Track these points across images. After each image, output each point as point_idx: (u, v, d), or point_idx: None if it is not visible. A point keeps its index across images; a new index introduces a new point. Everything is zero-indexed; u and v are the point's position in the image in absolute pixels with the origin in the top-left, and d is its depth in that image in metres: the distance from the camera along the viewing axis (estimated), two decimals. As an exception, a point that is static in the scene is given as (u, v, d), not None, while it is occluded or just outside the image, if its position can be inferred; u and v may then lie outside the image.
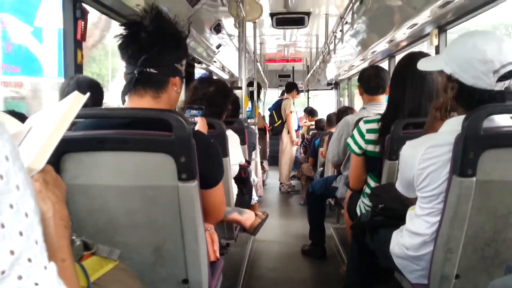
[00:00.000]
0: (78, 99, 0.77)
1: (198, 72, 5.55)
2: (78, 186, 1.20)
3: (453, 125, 1.27)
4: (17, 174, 0.46)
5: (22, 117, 1.10)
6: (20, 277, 0.45)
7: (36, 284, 0.47)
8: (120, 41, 1.26)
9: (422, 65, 1.42)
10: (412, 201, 1.47)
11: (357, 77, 6.90)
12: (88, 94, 0.80)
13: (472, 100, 1.25)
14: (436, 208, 1.31)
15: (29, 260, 0.46)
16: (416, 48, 3.84)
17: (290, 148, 6.27)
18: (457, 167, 1.20)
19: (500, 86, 1.22)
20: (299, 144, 6.45)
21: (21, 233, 0.45)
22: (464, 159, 1.19)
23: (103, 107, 1.99)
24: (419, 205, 1.37)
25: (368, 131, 2.06)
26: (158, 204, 1.21)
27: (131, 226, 1.24)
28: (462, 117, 1.23)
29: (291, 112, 6.11)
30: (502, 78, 1.21)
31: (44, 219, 0.61)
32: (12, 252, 0.44)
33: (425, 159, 1.28)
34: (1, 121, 0.46)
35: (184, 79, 1.37)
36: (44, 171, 0.66)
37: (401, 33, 3.48)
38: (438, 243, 1.30)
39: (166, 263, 1.29)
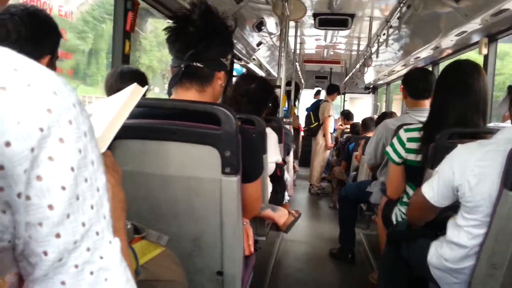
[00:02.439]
0: (137, 90, 0.80)
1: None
2: (124, 172, 1.22)
3: (510, 133, 1.22)
4: (93, 150, 0.48)
5: None
6: (88, 249, 0.47)
7: (101, 257, 0.48)
8: (168, 35, 1.28)
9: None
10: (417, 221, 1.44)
11: (396, 82, 6.79)
12: (146, 87, 0.83)
13: None
14: (481, 221, 1.27)
15: (97, 233, 0.48)
16: (462, 57, 3.72)
17: (323, 150, 6.21)
18: (509, 181, 1.16)
19: None
20: (332, 147, 6.38)
21: (92, 207, 0.47)
22: (517, 173, 1.15)
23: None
24: (462, 215, 1.33)
25: (409, 140, 2.01)
26: (200, 195, 1.24)
27: (172, 215, 1.27)
28: None
29: (329, 115, 6.03)
30: None
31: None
32: (83, 224, 0.46)
33: (480, 166, 1.24)
34: (80, 99, 0.48)
35: (228, 73, 1.38)
36: (105, 155, 0.69)
37: (448, 40, 3.39)
38: (482, 257, 1.26)
39: (203, 254, 1.31)
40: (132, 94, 0.81)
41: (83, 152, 0.46)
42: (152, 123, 1.22)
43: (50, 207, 0.44)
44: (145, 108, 1.33)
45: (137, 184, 1.26)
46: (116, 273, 0.50)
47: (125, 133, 1.21)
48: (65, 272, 0.46)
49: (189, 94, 1.30)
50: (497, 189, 1.21)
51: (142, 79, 2.19)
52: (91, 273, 0.47)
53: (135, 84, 0.83)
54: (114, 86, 2.06)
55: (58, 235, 0.45)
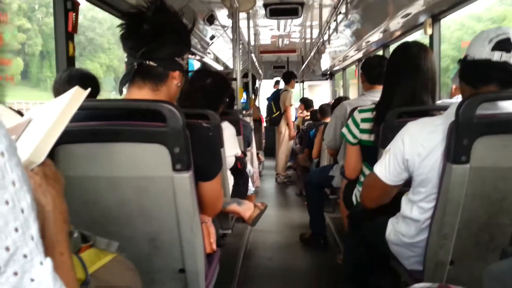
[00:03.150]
0: (79, 94, 0.77)
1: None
2: (71, 178, 1.18)
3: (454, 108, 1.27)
4: (13, 169, 0.45)
5: (19, 113, 1.09)
6: (15, 273, 0.45)
7: (32, 280, 0.46)
8: (122, 32, 1.24)
9: None
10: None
11: (352, 67, 6.93)
12: (89, 89, 0.80)
13: (473, 72, 1.27)
14: (431, 194, 1.32)
15: (25, 256, 0.46)
16: (410, 38, 3.84)
17: (287, 139, 6.26)
18: (451, 154, 1.21)
19: (497, 57, 1.24)
20: (295, 136, 6.45)
21: (16, 229, 0.45)
22: (458, 146, 1.19)
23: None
24: (413, 190, 1.38)
25: (363, 120, 2.06)
26: (152, 195, 1.21)
27: (125, 217, 1.24)
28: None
29: (291, 105, 6.07)
30: (496, 47, 1.24)
31: (44, 213, 0.60)
32: (7, 249, 0.44)
33: (429, 139, 1.28)
34: None
35: (185, 73, 1.35)
36: (44, 164, 0.66)
37: (395, 23, 3.48)
38: (433, 230, 1.31)
39: (162, 254, 1.29)
40: (73, 98, 0.77)
41: (0, 173, 0.44)
42: (95, 125, 1.18)
43: None
44: (90, 110, 1.29)
45: (85, 189, 1.22)
46: None
47: (68, 137, 1.16)
48: None
49: (142, 93, 1.26)
50: (441, 162, 1.26)
51: (92, 83, 2.11)
52: None
53: (76, 87, 0.80)
54: (61, 90, 1.99)
55: None
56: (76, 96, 0.78)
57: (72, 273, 0.63)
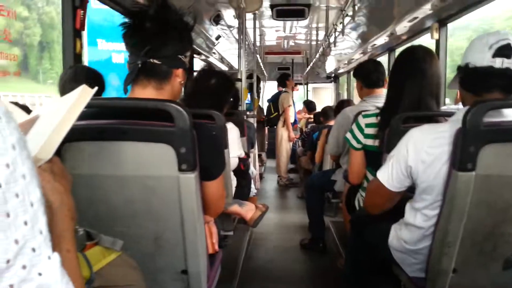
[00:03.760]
0: (86, 92, 0.78)
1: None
2: (78, 176, 1.18)
3: (459, 115, 1.26)
4: (24, 163, 0.45)
5: (26, 109, 1.10)
6: (24, 267, 0.45)
7: (40, 274, 0.47)
8: (124, 30, 1.24)
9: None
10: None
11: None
12: (96, 88, 0.80)
13: (475, 80, 1.26)
14: (435, 201, 1.31)
15: (33, 250, 0.46)
16: (416, 42, 3.83)
17: (286, 140, 6.24)
18: (456, 161, 1.20)
19: (499, 64, 1.23)
20: (297, 137, 6.43)
21: (26, 223, 0.45)
22: (464, 154, 1.19)
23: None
24: (417, 198, 1.37)
25: (367, 125, 2.06)
26: (157, 194, 1.21)
27: (130, 216, 1.25)
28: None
29: (289, 106, 6.07)
30: (497, 53, 1.23)
31: (51, 210, 0.61)
32: (16, 242, 0.44)
33: (431, 146, 1.27)
34: (9, 110, 0.46)
35: (187, 71, 1.36)
36: (52, 161, 0.66)
37: (402, 27, 3.48)
38: (436, 237, 1.30)
39: (165, 253, 1.29)
40: (80, 96, 0.78)
41: (11, 166, 0.44)
42: (103, 123, 1.19)
43: None
44: (97, 109, 1.29)
45: (92, 187, 1.22)
46: None
47: (76, 135, 1.17)
48: None
49: (146, 92, 1.27)
50: (446, 170, 1.25)
51: (97, 80, 2.12)
52: None
53: (83, 86, 0.80)
54: (67, 86, 2.00)
55: None
56: (84, 94, 0.78)
57: (78, 270, 0.63)
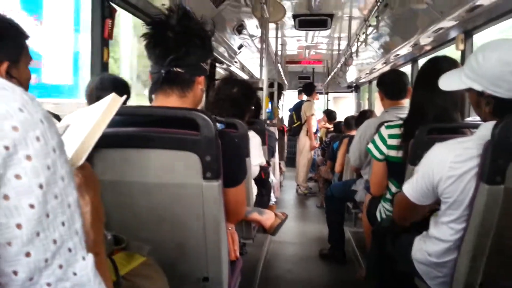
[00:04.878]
0: (116, 100, 0.80)
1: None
2: (105, 182, 1.22)
3: (486, 130, 1.24)
4: (63, 166, 0.47)
5: (57, 117, 1.13)
6: (60, 266, 0.46)
7: (75, 273, 0.48)
8: (147, 41, 1.27)
9: (444, 83, 1.39)
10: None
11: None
12: (124, 96, 0.83)
13: (503, 109, 1.23)
14: (462, 216, 1.29)
15: (70, 250, 0.48)
16: (440, 53, 3.78)
17: (308, 150, 6.22)
18: (485, 174, 1.18)
19: None
20: (317, 147, 6.40)
21: (63, 223, 0.47)
22: (493, 167, 1.17)
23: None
24: (443, 212, 1.35)
25: (390, 136, 2.04)
26: (182, 201, 1.23)
27: (155, 222, 1.26)
28: (494, 123, 1.21)
29: (312, 115, 6.05)
30: None
31: (82, 214, 0.62)
32: (55, 242, 0.46)
33: (457, 162, 1.25)
34: (49, 114, 0.48)
35: (208, 78, 1.38)
36: (83, 167, 0.68)
37: (426, 37, 3.44)
38: (463, 251, 1.28)
39: (188, 260, 1.30)
40: (110, 104, 0.80)
41: (52, 168, 0.46)
42: (130, 131, 1.21)
43: (19, 226, 0.43)
44: (124, 116, 1.32)
45: (118, 193, 1.24)
46: None
47: (104, 142, 1.19)
48: None
49: (170, 100, 1.29)
50: (474, 184, 1.23)
51: (123, 88, 2.17)
52: None
53: (113, 94, 0.83)
54: (94, 94, 2.04)
55: (28, 254, 0.44)
56: (113, 102, 0.80)
57: (107, 273, 0.65)
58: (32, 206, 0.43)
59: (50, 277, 0.46)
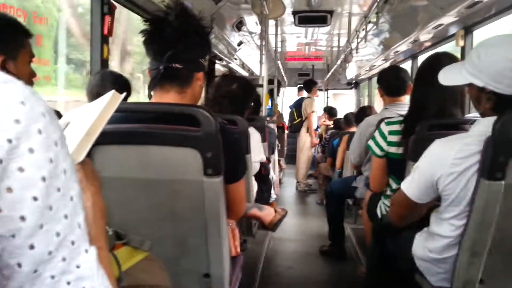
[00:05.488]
0: (116, 97, 0.80)
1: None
2: (105, 178, 1.21)
3: (485, 126, 1.24)
4: (65, 159, 0.47)
5: (58, 114, 1.13)
6: (64, 259, 0.47)
7: (78, 266, 0.48)
8: (145, 37, 1.27)
9: (445, 78, 1.38)
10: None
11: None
12: (125, 93, 0.83)
13: (503, 105, 1.22)
14: (463, 212, 1.29)
15: (73, 243, 0.48)
16: (440, 49, 3.78)
17: (308, 147, 6.22)
18: (485, 170, 1.18)
19: None
20: (317, 144, 6.41)
21: (66, 216, 0.47)
22: (494, 163, 1.17)
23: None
24: (444, 208, 1.35)
25: (391, 132, 2.04)
26: (183, 198, 1.23)
27: (156, 219, 1.27)
28: (493, 118, 1.21)
29: (313, 111, 6.04)
30: None
31: (84, 209, 0.63)
32: (58, 234, 0.46)
33: (458, 158, 1.25)
34: (50, 108, 0.48)
35: (206, 74, 1.38)
36: (84, 163, 0.68)
37: (426, 34, 3.44)
38: (463, 247, 1.28)
39: (189, 257, 1.31)
40: (110, 101, 0.80)
41: (54, 161, 0.46)
42: (130, 127, 1.21)
43: (22, 218, 0.43)
44: (124, 113, 1.32)
45: (119, 189, 1.25)
46: (94, 282, 0.49)
47: (104, 139, 1.20)
48: (41, 283, 0.45)
49: (169, 96, 1.29)
50: (475, 180, 1.23)
51: (124, 85, 2.16)
52: (68, 283, 0.47)
53: (113, 91, 0.82)
54: (94, 90, 2.04)
55: (32, 246, 0.44)
56: (113, 99, 0.80)
57: (109, 268, 0.65)
58: (35, 198, 0.43)
59: (54, 269, 0.46)
